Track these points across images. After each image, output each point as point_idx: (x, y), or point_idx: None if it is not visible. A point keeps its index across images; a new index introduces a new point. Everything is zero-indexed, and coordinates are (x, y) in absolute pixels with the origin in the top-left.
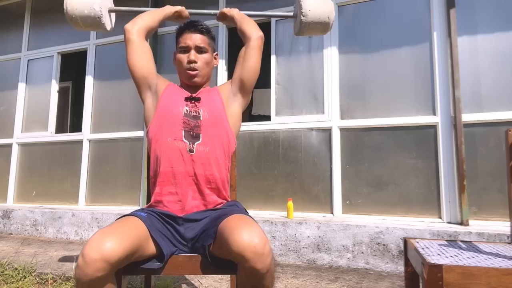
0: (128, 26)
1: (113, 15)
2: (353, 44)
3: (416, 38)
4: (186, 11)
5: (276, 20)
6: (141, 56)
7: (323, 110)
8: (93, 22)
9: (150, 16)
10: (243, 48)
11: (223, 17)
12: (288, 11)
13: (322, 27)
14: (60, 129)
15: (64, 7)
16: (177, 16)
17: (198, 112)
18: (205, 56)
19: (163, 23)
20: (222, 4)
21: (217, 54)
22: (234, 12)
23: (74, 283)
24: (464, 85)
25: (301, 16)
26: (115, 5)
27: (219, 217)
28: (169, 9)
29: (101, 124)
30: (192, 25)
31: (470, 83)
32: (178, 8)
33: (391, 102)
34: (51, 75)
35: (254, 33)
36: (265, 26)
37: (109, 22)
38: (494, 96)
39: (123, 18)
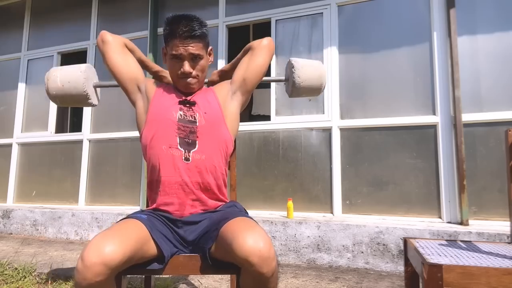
0: (106, 31)
1: (98, 90)
2: (353, 44)
3: (416, 38)
4: (168, 78)
5: (276, 20)
6: (122, 57)
7: (323, 110)
8: (79, 99)
9: (136, 49)
10: (250, 51)
11: (224, 75)
12: (288, 11)
13: (315, 91)
14: (60, 129)
15: (45, 85)
16: (157, 75)
17: (194, 116)
18: (201, 62)
19: (144, 66)
20: (222, 4)
21: (212, 49)
22: (228, 64)
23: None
24: (464, 85)
25: (293, 83)
26: (113, 7)
27: (220, 220)
28: (154, 65)
29: (101, 124)
30: (183, 30)
31: (470, 83)
32: (164, 72)
33: (391, 102)
34: None
35: (262, 39)
36: (265, 27)
37: (95, 97)
38: (494, 96)
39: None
